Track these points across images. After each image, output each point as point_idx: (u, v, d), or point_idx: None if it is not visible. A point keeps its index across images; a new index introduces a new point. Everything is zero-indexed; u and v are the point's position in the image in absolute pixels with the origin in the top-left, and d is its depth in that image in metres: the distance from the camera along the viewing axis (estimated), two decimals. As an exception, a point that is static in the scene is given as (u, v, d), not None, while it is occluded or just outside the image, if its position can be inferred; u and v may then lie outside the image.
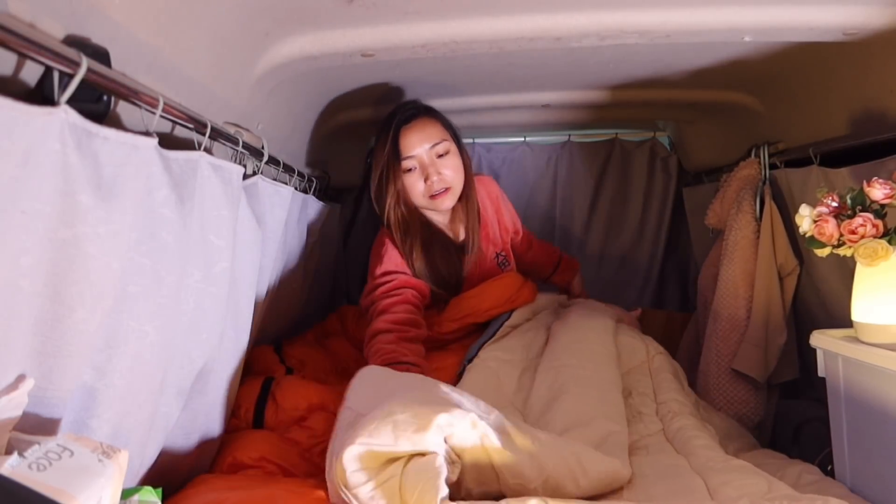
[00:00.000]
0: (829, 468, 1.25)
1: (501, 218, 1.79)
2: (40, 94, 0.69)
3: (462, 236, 1.69)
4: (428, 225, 1.64)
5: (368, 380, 1.14)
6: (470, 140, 2.77)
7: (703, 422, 1.35)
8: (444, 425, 0.84)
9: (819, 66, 1.50)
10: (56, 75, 0.68)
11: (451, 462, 0.85)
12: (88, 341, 0.74)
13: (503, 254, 1.77)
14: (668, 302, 2.78)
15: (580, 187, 2.76)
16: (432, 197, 1.54)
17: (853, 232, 1.11)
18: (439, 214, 1.66)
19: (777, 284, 1.78)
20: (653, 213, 2.73)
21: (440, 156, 1.54)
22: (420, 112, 1.57)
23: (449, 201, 1.56)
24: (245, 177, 1.22)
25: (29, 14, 0.66)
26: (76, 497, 0.56)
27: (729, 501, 0.93)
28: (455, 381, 1.41)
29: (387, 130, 1.54)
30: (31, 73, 0.69)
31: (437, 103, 1.71)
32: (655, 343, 1.66)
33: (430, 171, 1.52)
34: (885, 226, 1.10)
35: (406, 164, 1.52)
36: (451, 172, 1.55)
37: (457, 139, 1.61)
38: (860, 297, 1.16)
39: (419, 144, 1.52)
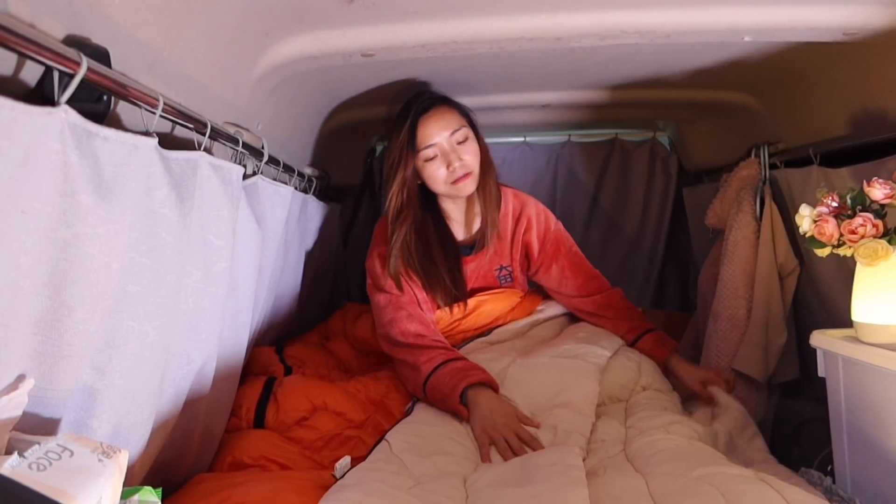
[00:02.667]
0: (829, 468, 1.25)
1: (518, 237, 1.72)
2: (40, 94, 0.69)
3: (473, 229, 1.68)
4: (436, 220, 1.63)
5: None
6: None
7: (686, 436, 1.22)
8: None
9: (819, 66, 1.50)
10: (56, 75, 0.68)
11: None
12: (88, 341, 0.74)
13: (508, 268, 1.73)
14: (668, 302, 2.78)
15: (580, 187, 2.76)
16: (454, 182, 1.53)
17: (853, 232, 1.11)
18: (455, 205, 1.65)
19: (777, 284, 1.78)
20: (653, 213, 2.73)
21: (460, 142, 1.53)
22: (437, 101, 1.56)
23: (470, 186, 1.56)
24: (245, 177, 1.22)
25: (29, 14, 0.66)
26: (76, 497, 0.57)
27: None
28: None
29: (404, 120, 1.54)
30: (31, 73, 0.69)
31: (436, 103, 1.71)
32: (653, 377, 1.52)
33: (451, 158, 1.51)
34: (885, 226, 1.10)
35: (428, 152, 1.52)
36: (471, 157, 1.55)
37: (474, 126, 1.60)
38: (860, 297, 1.16)
39: (439, 133, 1.51)
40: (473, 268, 1.69)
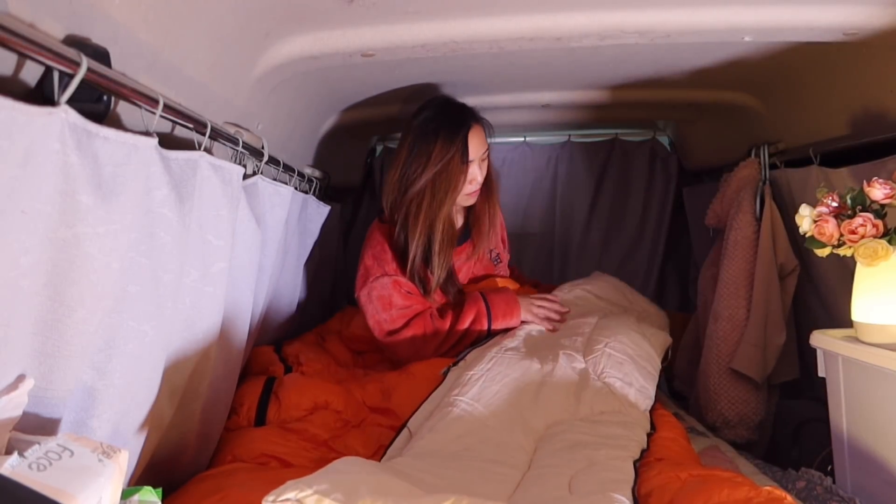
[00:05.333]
0: (829, 468, 1.25)
1: (498, 219, 1.86)
2: (40, 94, 0.69)
3: (459, 221, 1.77)
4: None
5: None
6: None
7: None
8: None
9: (819, 66, 1.50)
10: (56, 75, 0.68)
11: None
12: (88, 341, 0.74)
13: (495, 251, 1.83)
14: (668, 302, 2.78)
15: (580, 187, 2.76)
16: (468, 195, 1.65)
17: (853, 232, 1.11)
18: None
19: (777, 284, 1.78)
20: (653, 213, 2.73)
21: (483, 160, 1.65)
22: (478, 118, 1.66)
23: (475, 199, 1.69)
24: (245, 177, 1.22)
25: (29, 14, 0.66)
26: (76, 497, 0.57)
27: None
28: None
29: (455, 131, 1.58)
30: (31, 73, 0.69)
31: (437, 103, 1.72)
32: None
33: (477, 174, 1.63)
34: (885, 226, 1.10)
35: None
36: (485, 175, 1.68)
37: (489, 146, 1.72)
38: (860, 297, 1.16)
39: (475, 150, 1.61)
40: (467, 257, 1.75)
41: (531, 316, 1.59)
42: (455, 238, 1.66)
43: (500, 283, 1.78)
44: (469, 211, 1.75)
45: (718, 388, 1.83)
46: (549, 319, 1.60)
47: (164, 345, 0.94)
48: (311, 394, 1.35)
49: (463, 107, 1.66)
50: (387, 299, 1.58)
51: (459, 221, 1.76)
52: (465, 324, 1.55)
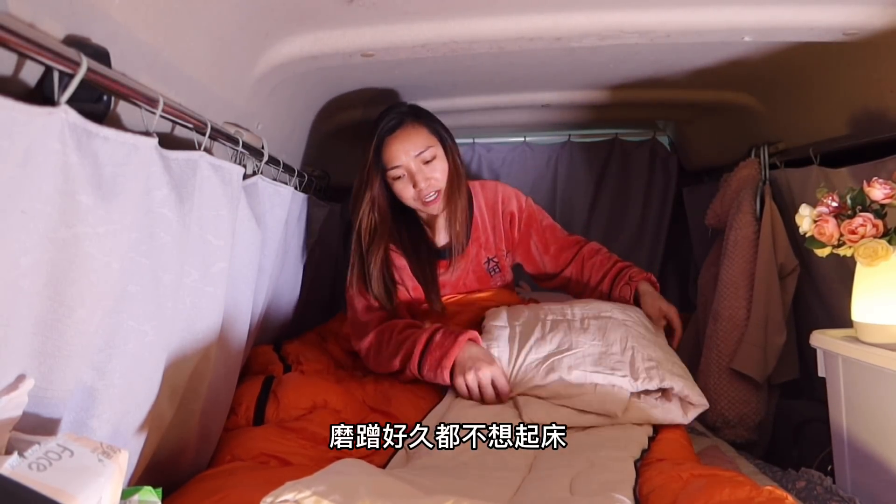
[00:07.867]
0: (829, 468, 1.25)
1: (499, 224, 1.73)
2: (40, 94, 0.69)
3: (444, 239, 1.67)
4: (410, 227, 1.66)
5: None
6: (470, 140, 2.77)
7: None
8: None
9: (819, 66, 1.50)
10: (56, 75, 0.68)
11: None
12: (88, 341, 0.74)
13: (495, 259, 1.73)
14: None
15: (580, 187, 2.77)
16: (423, 203, 1.55)
17: (853, 232, 1.11)
18: (430, 214, 1.64)
19: (777, 284, 1.78)
20: (653, 213, 2.73)
21: (427, 162, 1.52)
22: (405, 118, 1.54)
23: (438, 206, 1.57)
24: (245, 177, 1.22)
25: (29, 14, 0.66)
26: (76, 497, 0.57)
27: None
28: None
29: (370, 139, 1.54)
30: (31, 73, 0.69)
31: (436, 104, 1.71)
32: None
33: (417, 179, 1.52)
34: (885, 226, 1.10)
35: (394, 172, 1.53)
36: (439, 176, 1.54)
37: (444, 141, 1.57)
38: (860, 297, 1.16)
39: (404, 154, 1.51)
40: (462, 268, 1.68)
41: (461, 381, 1.34)
42: (380, 242, 1.57)
43: (494, 296, 1.70)
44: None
45: (718, 388, 1.84)
46: (473, 397, 1.34)
47: (164, 345, 0.94)
48: (310, 393, 1.35)
49: (391, 109, 1.57)
50: (352, 313, 1.60)
51: (443, 231, 1.67)
52: (396, 363, 1.45)
